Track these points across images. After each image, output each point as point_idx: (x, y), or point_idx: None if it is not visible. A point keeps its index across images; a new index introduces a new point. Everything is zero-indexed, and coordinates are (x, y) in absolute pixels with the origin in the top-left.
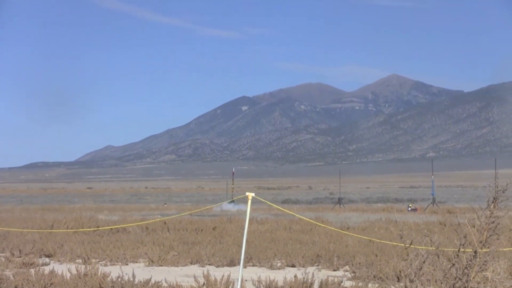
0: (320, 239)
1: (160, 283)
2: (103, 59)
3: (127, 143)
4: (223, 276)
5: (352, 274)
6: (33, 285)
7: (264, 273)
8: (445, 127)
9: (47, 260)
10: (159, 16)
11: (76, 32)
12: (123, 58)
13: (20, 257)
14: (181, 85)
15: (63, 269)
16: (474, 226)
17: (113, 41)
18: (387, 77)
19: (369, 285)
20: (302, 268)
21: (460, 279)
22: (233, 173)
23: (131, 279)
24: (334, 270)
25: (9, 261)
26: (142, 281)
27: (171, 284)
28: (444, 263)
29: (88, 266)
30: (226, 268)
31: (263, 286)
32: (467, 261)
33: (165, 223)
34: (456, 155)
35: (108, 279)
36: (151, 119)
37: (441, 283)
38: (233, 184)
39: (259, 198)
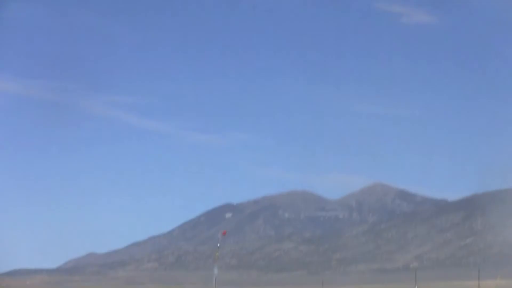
0: None
1: None
2: (87, 163)
3: (110, 250)
4: None
5: None
6: None
7: None
8: (429, 236)
9: None
10: (144, 120)
11: (60, 134)
12: (106, 163)
13: None
14: (165, 191)
15: None
16: None
17: (95, 145)
18: (372, 185)
19: None
20: None
21: None
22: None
23: None
24: None
25: None
26: None
27: None
28: None
29: None
30: None
31: None
32: None
33: None
34: (440, 265)
35: None
36: (134, 226)
37: None
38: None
39: None
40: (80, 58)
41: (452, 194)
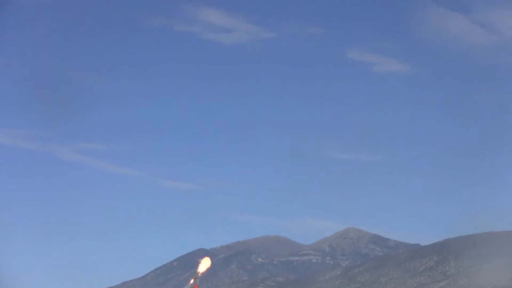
0: None
1: None
2: (59, 208)
3: None
4: None
5: None
6: None
7: None
8: (402, 280)
9: None
10: (116, 167)
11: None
12: (78, 208)
13: None
14: (137, 236)
15: None
16: None
17: (67, 191)
18: (345, 230)
19: None
20: None
21: None
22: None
23: None
24: None
25: None
26: None
27: None
28: None
29: None
30: None
31: None
32: None
33: None
34: None
35: None
36: (107, 271)
37: None
38: None
39: None
40: (50, 105)
41: (425, 238)
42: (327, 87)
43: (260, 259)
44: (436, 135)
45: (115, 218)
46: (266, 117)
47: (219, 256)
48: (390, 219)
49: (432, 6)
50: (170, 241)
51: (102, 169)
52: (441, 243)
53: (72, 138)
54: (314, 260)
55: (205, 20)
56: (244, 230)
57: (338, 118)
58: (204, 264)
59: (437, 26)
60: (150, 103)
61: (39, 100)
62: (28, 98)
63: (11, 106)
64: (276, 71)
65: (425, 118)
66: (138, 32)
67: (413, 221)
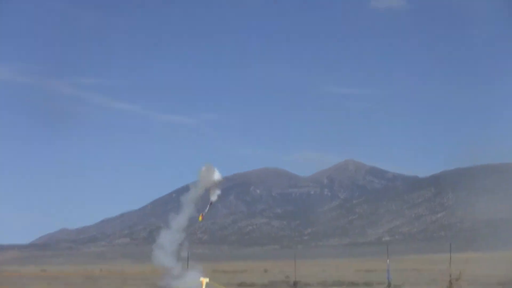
0: None
1: None
2: (58, 141)
3: (82, 226)
4: None
5: None
6: None
7: None
8: (400, 212)
9: None
10: (113, 102)
11: (30, 114)
12: (77, 142)
13: None
14: (136, 169)
15: None
16: None
17: (64, 125)
18: (343, 162)
19: None
20: None
21: None
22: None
23: None
24: None
25: None
26: None
27: None
28: None
29: None
30: None
31: None
32: None
33: None
34: (412, 239)
35: None
36: (105, 202)
37: None
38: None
39: (213, 283)
40: (44, 41)
41: (423, 170)
42: (324, 23)
43: (258, 191)
44: (435, 68)
45: (112, 151)
46: (264, 49)
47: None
48: (388, 151)
49: None
50: (168, 173)
51: (98, 103)
52: (439, 175)
53: (68, 72)
54: (312, 192)
55: None
56: (243, 162)
57: (336, 53)
58: (216, 194)
59: None
60: (145, 37)
61: (36, 35)
62: (24, 33)
63: (7, 39)
64: (272, 11)
65: (423, 51)
66: None
67: (411, 153)
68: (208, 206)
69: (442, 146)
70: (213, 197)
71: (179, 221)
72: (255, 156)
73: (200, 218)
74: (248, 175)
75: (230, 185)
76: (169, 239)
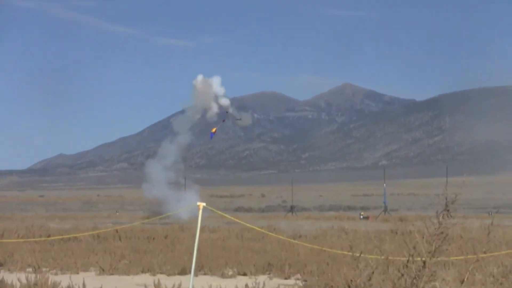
0: (272, 247)
1: None
2: (56, 65)
3: (80, 151)
4: (174, 285)
5: (303, 283)
6: None
7: (215, 282)
8: (398, 135)
9: None
10: (112, 25)
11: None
12: (76, 66)
13: None
14: (134, 93)
15: (13, 278)
16: (423, 237)
17: (62, 48)
18: (340, 86)
19: None
20: (253, 276)
21: None
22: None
23: None
24: (286, 279)
25: None
26: None
27: None
28: (394, 273)
29: (38, 275)
30: (177, 276)
31: None
32: (416, 272)
33: (117, 231)
34: (408, 163)
35: None
36: (103, 127)
37: None
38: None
39: (210, 208)
40: None
41: (420, 94)
42: None
43: (255, 115)
44: None
45: (111, 76)
46: None
47: (214, 116)
48: (385, 75)
49: None
50: (166, 97)
51: (96, 26)
52: (436, 99)
53: None
54: (310, 116)
55: None
56: (240, 86)
57: None
58: (231, 110)
59: None
60: None
61: None
62: None
63: None
64: None
65: None
66: None
67: (408, 76)
68: (226, 116)
69: (440, 69)
70: (229, 109)
71: (169, 148)
72: (253, 80)
73: (214, 130)
74: (245, 98)
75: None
76: (157, 169)
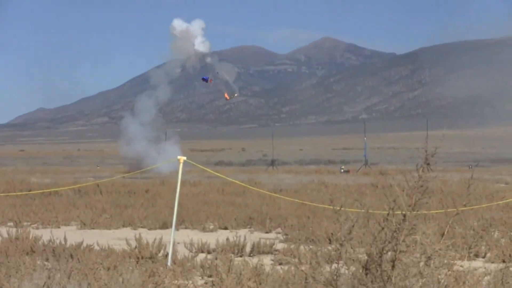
0: (253, 201)
1: (92, 246)
2: (32, 19)
3: (59, 106)
4: (155, 239)
5: (284, 237)
6: None
7: (196, 236)
8: (378, 89)
9: None
10: None
11: None
12: (55, 21)
13: None
14: (113, 46)
15: None
16: (403, 190)
17: (46, 2)
18: (320, 39)
19: (301, 247)
20: (235, 230)
21: (389, 242)
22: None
23: (63, 242)
24: (267, 233)
25: None
26: (74, 244)
27: (103, 247)
28: (374, 227)
29: (19, 230)
30: (158, 231)
31: (195, 248)
32: (396, 225)
33: (98, 185)
34: (389, 117)
35: (40, 242)
36: (83, 81)
37: (371, 247)
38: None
39: (191, 162)
40: None
41: (400, 47)
42: None
43: (236, 69)
44: None
45: (92, 29)
46: None
47: (194, 66)
48: (365, 29)
49: None
50: (146, 52)
51: None
52: (416, 52)
53: None
54: (290, 70)
55: None
56: (220, 40)
57: None
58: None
59: None
60: None
61: None
62: None
63: None
64: None
65: None
66: None
67: (388, 30)
68: (217, 76)
69: (419, 23)
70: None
71: (146, 102)
72: (232, 33)
73: (226, 96)
74: (224, 53)
75: (208, 63)
76: (134, 124)
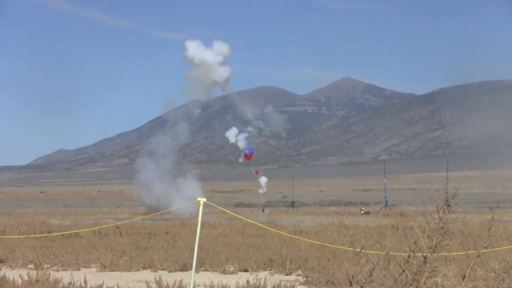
0: (273, 243)
1: None
2: (55, 61)
3: (80, 147)
4: (175, 281)
5: (304, 279)
6: None
7: (216, 278)
8: (398, 130)
9: None
10: (109, 17)
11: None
12: (74, 61)
13: None
14: (133, 88)
15: (15, 275)
16: (424, 232)
17: (59, 43)
18: (340, 80)
19: None
20: (255, 272)
21: (410, 284)
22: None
23: (83, 284)
24: (287, 275)
25: None
26: (94, 286)
27: None
28: (395, 269)
29: (39, 272)
30: (178, 273)
31: None
32: (417, 267)
33: (118, 227)
34: (409, 157)
35: (60, 285)
36: (103, 123)
37: None
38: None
39: (210, 203)
40: None
41: (420, 88)
42: None
43: (255, 110)
44: None
45: (110, 70)
46: None
47: (214, 107)
48: (385, 69)
49: None
50: (164, 93)
51: (95, 19)
52: (436, 93)
53: None
54: (310, 111)
55: None
56: (239, 81)
57: None
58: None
59: None
60: None
61: None
62: None
63: None
64: None
65: None
66: None
67: (408, 70)
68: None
69: (439, 64)
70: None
71: (163, 142)
72: (251, 74)
73: (256, 172)
74: (245, 93)
75: (227, 104)
76: (151, 167)
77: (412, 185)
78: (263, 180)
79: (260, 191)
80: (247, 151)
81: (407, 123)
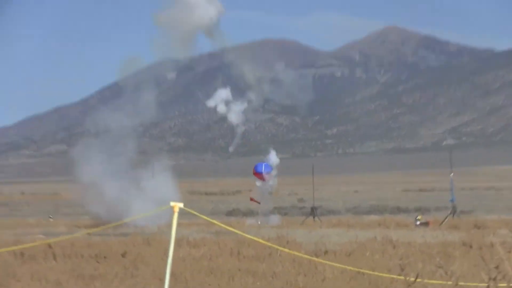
0: (284, 269)
1: None
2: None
3: None
4: None
5: None
6: None
7: None
8: (469, 102)
9: None
10: None
11: None
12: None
13: None
14: (75, 41)
15: None
16: (510, 251)
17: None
18: (383, 30)
19: None
20: None
21: None
22: None
23: None
24: None
25: None
26: None
27: None
28: None
29: None
30: None
31: None
32: None
33: (50, 246)
34: (486, 142)
35: None
36: (31, 92)
37: None
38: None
39: (190, 210)
40: None
41: (501, 42)
42: None
43: (258, 73)
44: None
45: (43, 14)
46: None
47: (196, 69)
48: (449, 14)
49: None
50: (124, 49)
51: None
52: None
53: None
54: (339, 74)
55: None
56: (235, 31)
57: None
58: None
59: None
60: None
61: None
62: None
63: None
64: None
65: None
66: None
67: (483, 16)
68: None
69: None
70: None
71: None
72: (255, 21)
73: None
74: (242, 49)
75: (215, 65)
76: (99, 159)
77: (491, 183)
78: (268, 168)
79: (257, 183)
80: (264, 169)
81: (482, 92)
